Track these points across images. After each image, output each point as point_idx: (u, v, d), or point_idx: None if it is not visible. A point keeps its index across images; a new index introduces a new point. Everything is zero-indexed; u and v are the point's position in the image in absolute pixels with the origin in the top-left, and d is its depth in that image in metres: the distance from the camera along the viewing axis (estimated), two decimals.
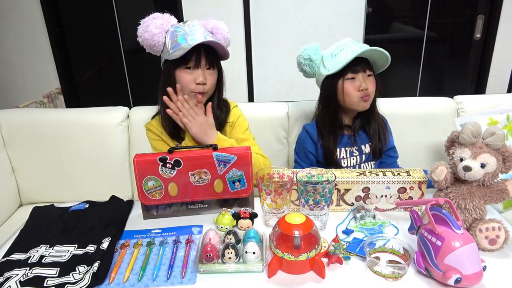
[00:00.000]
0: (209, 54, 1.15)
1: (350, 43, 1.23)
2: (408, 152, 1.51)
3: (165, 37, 1.15)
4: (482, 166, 0.87)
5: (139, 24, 1.14)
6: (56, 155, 1.62)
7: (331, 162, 1.29)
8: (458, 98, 1.64)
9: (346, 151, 1.31)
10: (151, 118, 1.29)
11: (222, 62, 1.23)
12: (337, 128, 1.30)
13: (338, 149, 1.30)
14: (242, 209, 0.98)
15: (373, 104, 1.29)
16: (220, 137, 1.15)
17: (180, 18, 2.47)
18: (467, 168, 0.87)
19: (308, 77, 1.35)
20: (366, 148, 1.32)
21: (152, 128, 1.26)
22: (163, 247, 0.92)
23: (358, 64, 1.21)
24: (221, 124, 1.25)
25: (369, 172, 1.05)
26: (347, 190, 1.03)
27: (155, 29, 1.13)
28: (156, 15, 1.16)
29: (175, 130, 1.22)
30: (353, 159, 1.31)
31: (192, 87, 1.15)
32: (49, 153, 1.62)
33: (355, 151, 1.31)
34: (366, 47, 1.19)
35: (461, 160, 0.89)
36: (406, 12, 2.71)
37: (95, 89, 2.94)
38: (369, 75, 1.23)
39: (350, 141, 1.31)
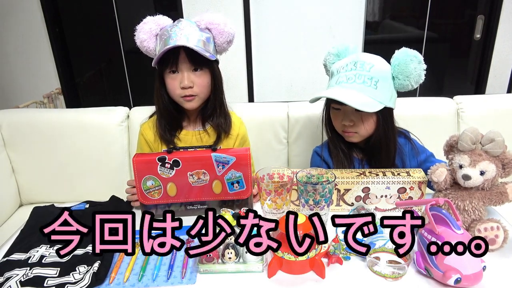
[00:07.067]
0: (194, 54, 1.10)
1: (346, 69, 1.05)
2: None
3: (155, 42, 1.12)
4: (482, 173, 0.86)
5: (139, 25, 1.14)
6: (56, 155, 1.62)
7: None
8: (458, 98, 1.64)
9: None
10: (148, 117, 1.28)
11: (221, 60, 1.19)
12: (347, 147, 1.18)
13: None
14: (242, 209, 0.98)
15: (380, 140, 1.13)
16: None
17: (180, 18, 2.47)
18: (466, 177, 0.87)
19: None
20: None
21: (145, 133, 1.24)
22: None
23: None
24: (219, 134, 1.20)
25: (369, 172, 1.05)
26: (347, 190, 1.03)
27: (143, 35, 1.11)
28: (147, 19, 1.13)
29: (170, 135, 1.19)
30: None
31: (179, 92, 1.13)
32: (49, 153, 1.62)
33: None
34: (344, 95, 1.00)
35: (460, 167, 0.89)
36: (406, 12, 2.71)
37: (95, 89, 2.94)
38: (358, 110, 1.03)
39: (361, 165, 1.20)
